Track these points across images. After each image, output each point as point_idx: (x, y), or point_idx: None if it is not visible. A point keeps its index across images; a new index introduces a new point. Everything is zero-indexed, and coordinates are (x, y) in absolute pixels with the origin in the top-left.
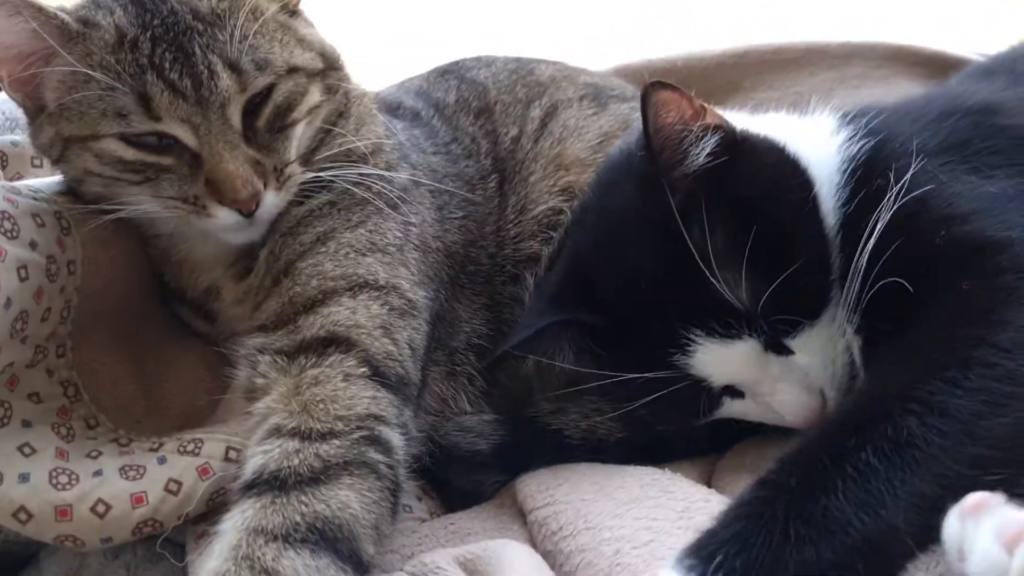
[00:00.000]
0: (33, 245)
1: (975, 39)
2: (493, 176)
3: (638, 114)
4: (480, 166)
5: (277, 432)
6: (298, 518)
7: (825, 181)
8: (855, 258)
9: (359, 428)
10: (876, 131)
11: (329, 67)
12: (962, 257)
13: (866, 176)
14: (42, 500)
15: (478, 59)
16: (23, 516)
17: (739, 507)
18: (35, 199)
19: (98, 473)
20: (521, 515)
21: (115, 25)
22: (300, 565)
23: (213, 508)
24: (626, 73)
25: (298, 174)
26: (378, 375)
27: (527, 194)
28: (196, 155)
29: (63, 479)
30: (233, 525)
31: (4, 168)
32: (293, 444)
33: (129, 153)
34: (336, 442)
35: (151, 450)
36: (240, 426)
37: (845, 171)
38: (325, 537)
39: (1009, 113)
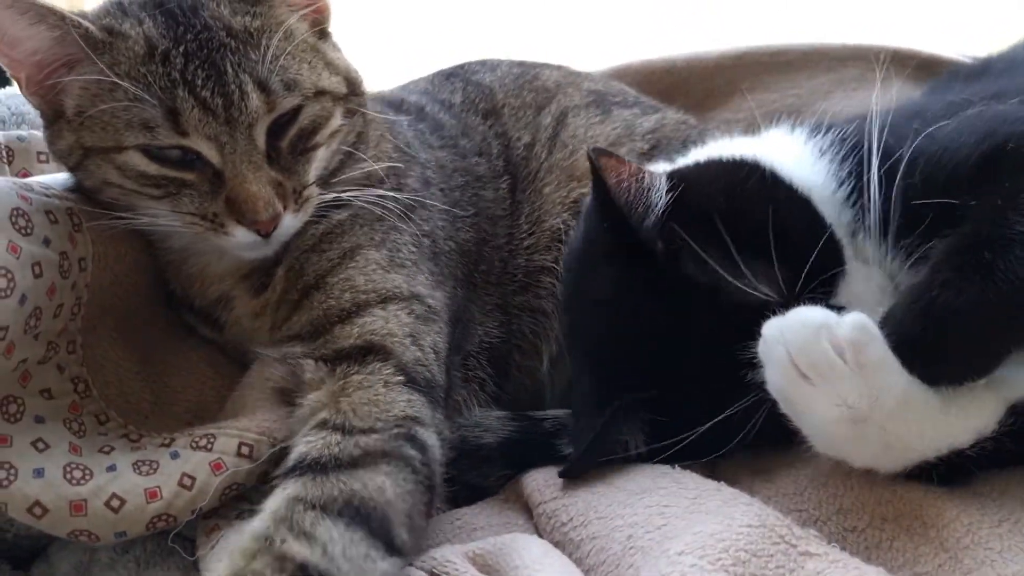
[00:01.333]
0: (47, 242)
1: (972, 42)
2: (505, 178)
3: (641, 119)
4: (492, 165)
5: (323, 426)
6: (336, 493)
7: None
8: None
9: (397, 427)
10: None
11: (352, 92)
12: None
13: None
14: (57, 495)
15: (483, 63)
16: (38, 511)
17: None
18: (47, 196)
19: (111, 468)
20: (527, 509)
21: (144, 36)
22: (336, 533)
23: (225, 503)
24: (626, 74)
25: (315, 196)
26: (411, 381)
27: (541, 205)
28: (219, 173)
29: (77, 474)
30: (273, 499)
31: (10, 163)
32: (336, 437)
33: (152, 167)
34: (376, 435)
35: (163, 445)
36: (251, 421)
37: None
38: (360, 514)
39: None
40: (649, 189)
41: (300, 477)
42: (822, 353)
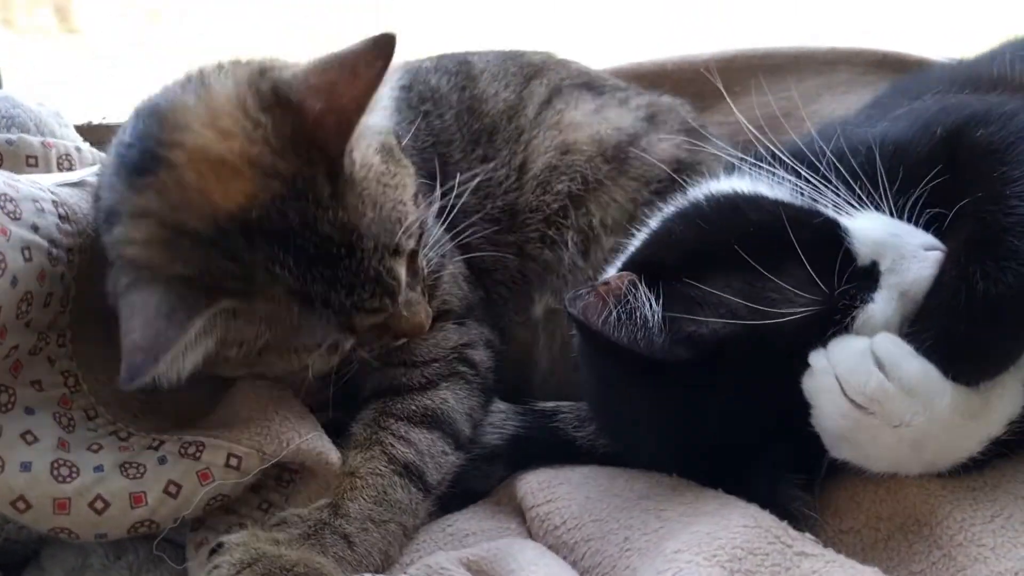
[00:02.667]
0: (35, 228)
1: (960, 46)
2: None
3: (634, 96)
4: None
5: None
6: (414, 408)
7: None
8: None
9: (453, 355)
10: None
11: None
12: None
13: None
14: (42, 492)
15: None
16: (21, 505)
17: None
18: (33, 187)
19: (99, 468)
20: (519, 512)
21: (291, 291)
22: (422, 436)
23: (210, 514)
24: (616, 75)
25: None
26: (459, 317)
27: (528, 155)
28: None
29: (64, 471)
30: (365, 414)
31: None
32: (402, 369)
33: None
34: (436, 364)
35: (151, 448)
36: (242, 433)
37: None
38: (434, 421)
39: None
40: (635, 306)
41: (381, 398)
42: (872, 378)
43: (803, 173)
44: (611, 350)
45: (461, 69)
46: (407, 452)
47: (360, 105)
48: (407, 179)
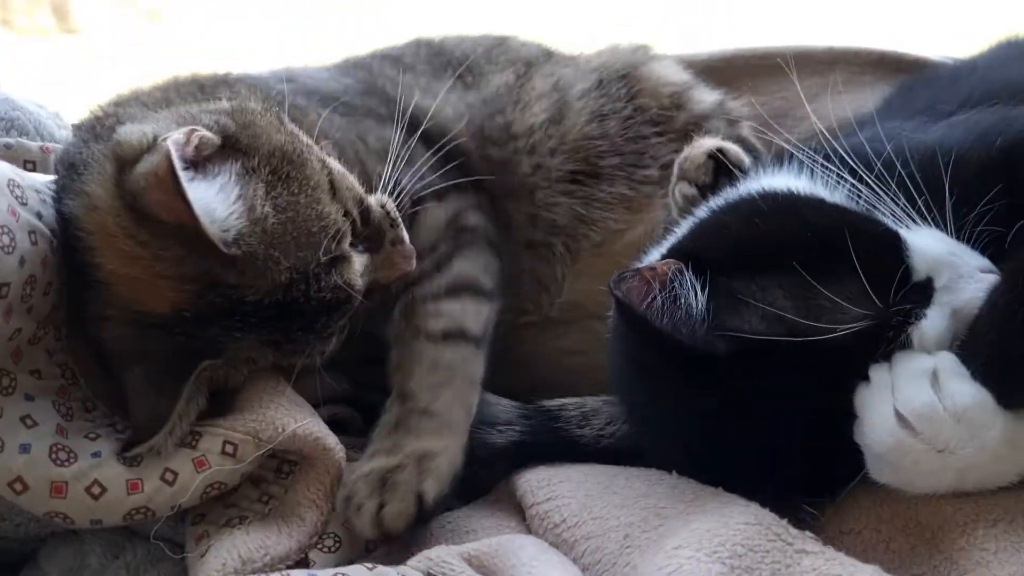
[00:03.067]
0: (39, 216)
1: (958, 45)
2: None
3: None
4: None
5: None
6: (434, 289)
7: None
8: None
9: (448, 229)
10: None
11: None
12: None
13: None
14: (40, 474)
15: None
16: (19, 487)
17: None
18: (36, 180)
19: (96, 454)
20: (520, 510)
21: (261, 341)
22: (452, 306)
23: (207, 502)
24: None
25: None
26: (437, 196)
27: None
28: None
29: (62, 455)
30: (394, 318)
31: None
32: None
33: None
34: (440, 247)
35: None
36: (237, 421)
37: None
38: (456, 290)
39: None
40: (682, 293)
41: (407, 291)
42: (923, 395)
43: (865, 177)
44: (651, 335)
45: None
46: (441, 322)
47: (192, 216)
48: (315, 175)
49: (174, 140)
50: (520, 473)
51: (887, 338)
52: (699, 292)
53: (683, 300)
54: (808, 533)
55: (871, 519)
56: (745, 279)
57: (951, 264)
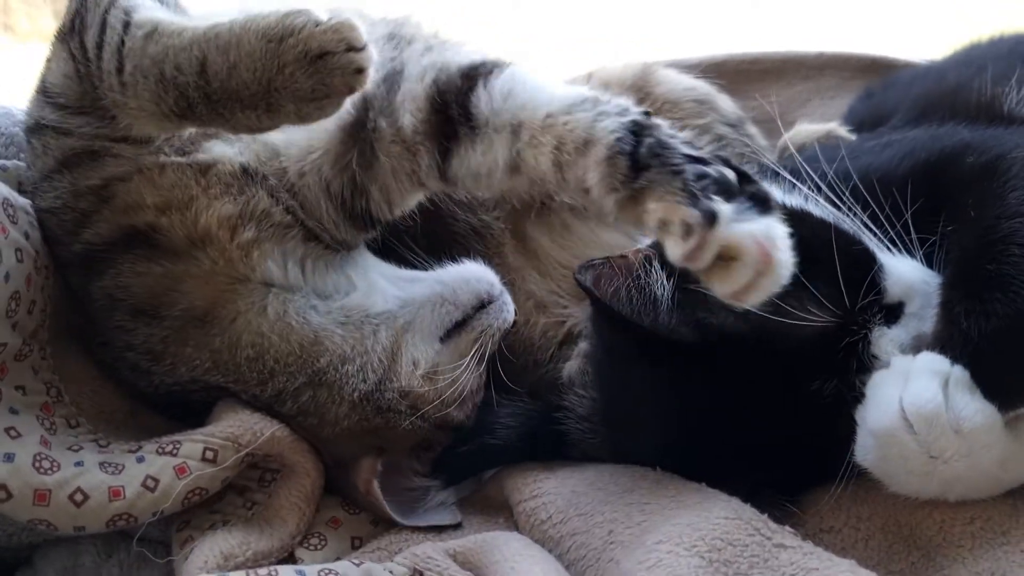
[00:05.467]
0: (27, 236)
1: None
2: None
3: None
4: None
5: None
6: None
7: None
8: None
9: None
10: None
11: None
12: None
13: None
14: (23, 481)
15: None
16: (3, 494)
17: None
18: (27, 203)
19: (79, 463)
20: (505, 508)
21: None
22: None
23: (189, 508)
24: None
25: None
26: None
27: None
28: None
29: (45, 464)
30: None
31: None
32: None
33: None
34: None
35: (129, 451)
36: (217, 428)
37: None
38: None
39: None
40: (647, 281)
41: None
42: (933, 398)
43: (849, 206)
44: (618, 324)
45: None
46: None
47: None
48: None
49: None
50: (507, 470)
51: (846, 344)
52: (665, 281)
53: (649, 289)
54: (787, 528)
55: (850, 517)
56: None
57: (924, 293)
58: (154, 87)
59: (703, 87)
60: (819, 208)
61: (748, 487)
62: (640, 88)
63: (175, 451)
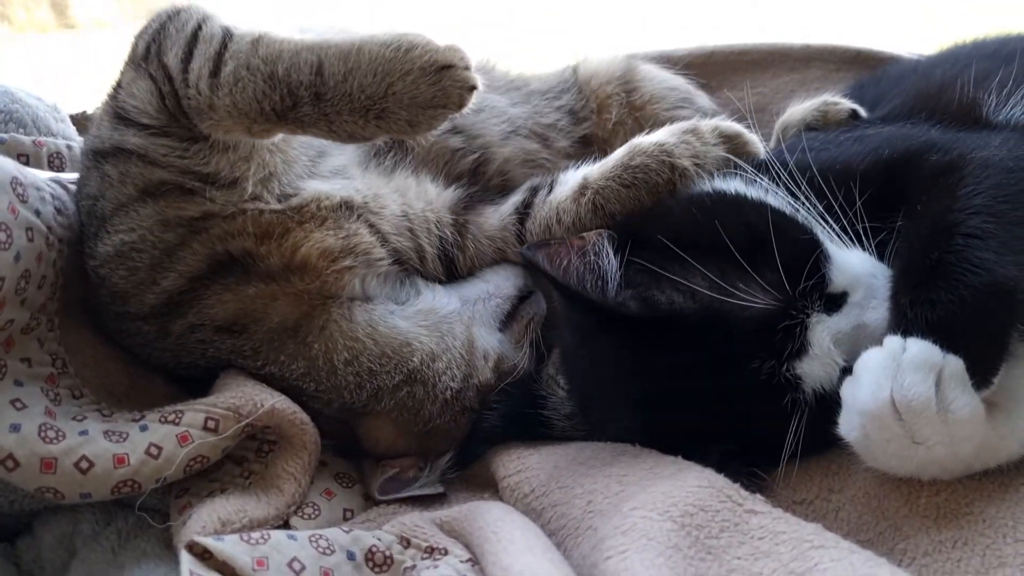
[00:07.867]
0: (37, 213)
1: (931, 42)
2: None
3: None
4: None
5: None
6: None
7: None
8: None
9: None
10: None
11: None
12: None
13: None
14: (30, 451)
15: None
16: (10, 464)
17: None
18: (36, 177)
19: (84, 432)
20: (493, 483)
21: None
22: None
23: (190, 476)
24: None
25: None
26: None
27: None
28: None
29: (51, 434)
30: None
31: None
32: None
33: None
34: None
35: (133, 420)
36: (219, 398)
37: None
38: None
39: None
40: (597, 260)
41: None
42: (924, 388)
43: (804, 198)
44: (570, 298)
45: None
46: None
47: None
48: None
49: None
50: (494, 448)
51: (784, 327)
52: (613, 260)
53: (599, 267)
54: (758, 495)
55: (822, 490)
56: (670, 256)
57: (869, 285)
58: (262, 84)
59: (683, 84)
60: (777, 199)
61: (716, 458)
62: (626, 83)
63: (177, 420)
